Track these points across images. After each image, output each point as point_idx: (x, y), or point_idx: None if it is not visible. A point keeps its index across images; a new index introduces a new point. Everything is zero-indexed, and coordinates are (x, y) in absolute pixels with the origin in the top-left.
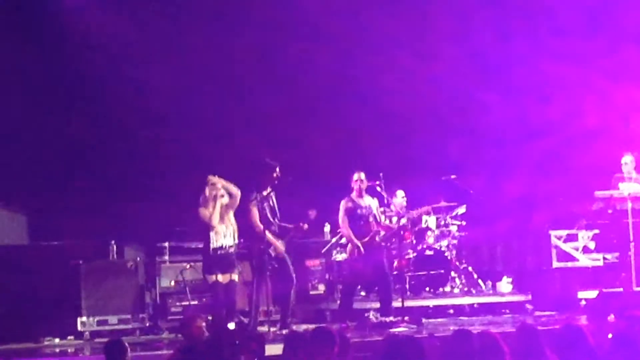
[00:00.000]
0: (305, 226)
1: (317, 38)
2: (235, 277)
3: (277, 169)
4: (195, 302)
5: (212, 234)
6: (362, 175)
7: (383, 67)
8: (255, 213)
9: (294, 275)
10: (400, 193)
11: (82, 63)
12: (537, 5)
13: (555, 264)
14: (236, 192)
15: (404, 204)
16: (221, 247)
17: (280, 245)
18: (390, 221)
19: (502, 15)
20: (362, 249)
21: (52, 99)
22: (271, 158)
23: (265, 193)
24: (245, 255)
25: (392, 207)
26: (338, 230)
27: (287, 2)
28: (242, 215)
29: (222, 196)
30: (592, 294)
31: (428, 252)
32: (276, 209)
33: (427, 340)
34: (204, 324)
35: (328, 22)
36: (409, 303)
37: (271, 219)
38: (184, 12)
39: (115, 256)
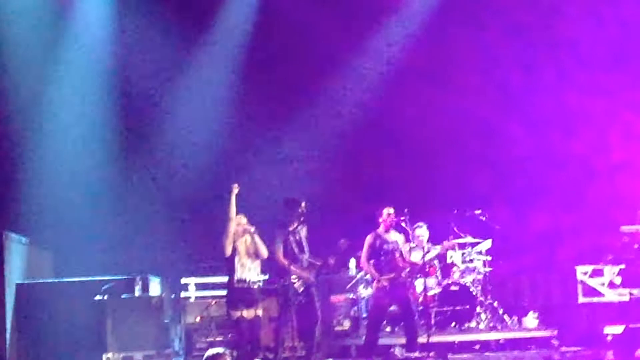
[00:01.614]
0: (332, 261)
1: (340, 71)
2: (259, 312)
3: (303, 205)
4: (221, 338)
5: (237, 265)
6: (392, 211)
7: (406, 99)
8: (279, 248)
9: (319, 311)
10: (421, 229)
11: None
12: (562, 37)
13: (582, 299)
14: (264, 253)
15: (427, 234)
16: (244, 281)
17: (307, 275)
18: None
19: (527, 47)
20: (385, 282)
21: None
22: (298, 196)
23: (291, 228)
24: (272, 291)
25: (415, 241)
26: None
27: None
28: (269, 251)
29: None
30: (618, 329)
31: (453, 288)
32: (304, 244)
33: None
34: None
35: (351, 55)
36: (434, 339)
37: (298, 255)
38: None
39: (140, 292)
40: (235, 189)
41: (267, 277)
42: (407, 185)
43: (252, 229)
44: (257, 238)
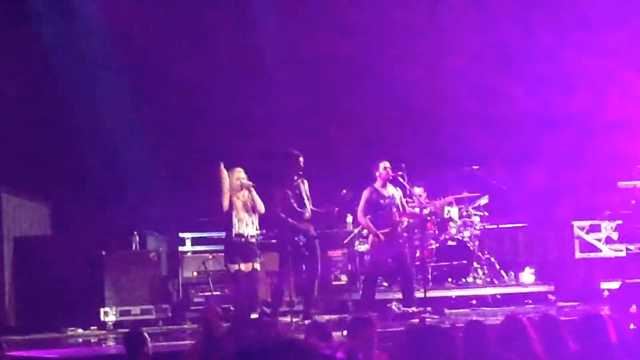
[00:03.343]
0: (336, 210)
1: (341, 30)
2: (257, 266)
3: (301, 159)
4: (218, 293)
5: (235, 220)
6: (388, 165)
7: (406, 59)
8: (277, 203)
9: (318, 266)
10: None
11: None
12: None
13: (578, 255)
14: (261, 209)
15: (424, 195)
16: (242, 235)
17: (307, 228)
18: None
19: (526, 7)
20: (381, 237)
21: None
22: (297, 149)
23: (289, 183)
24: (271, 246)
25: (413, 197)
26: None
27: None
28: (267, 206)
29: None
30: (614, 284)
31: (450, 243)
32: (305, 197)
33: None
34: (218, 311)
35: (351, 14)
36: (431, 294)
37: (297, 208)
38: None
39: (138, 247)
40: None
41: (264, 231)
42: (406, 142)
43: (251, 184)
44: (254, 193)
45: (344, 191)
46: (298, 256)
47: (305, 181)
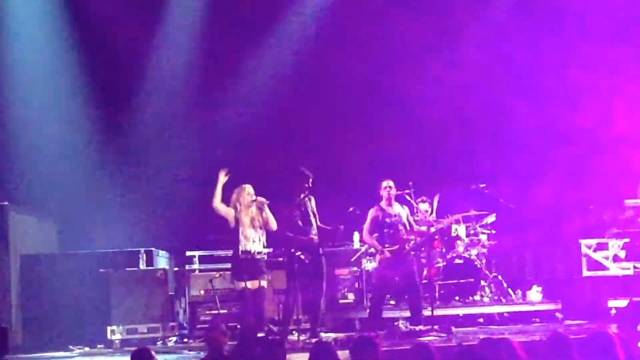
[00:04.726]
0: (342, 227)
1: (348, 46)
2: (264, 283)
3: (311, 180)
4: (225, 311)
5: (241, 237)
6: (391, 183)
7: (413, 75)
8: (283, 220)
9: (324, 284)
10: (423, 206)
11: (114, 69)
12: (566, 12)
13: (586, 273)
14: (273, 227)
15: (430, 210)
16: (249, 252)
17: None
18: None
19: (532, 23)
20: (387, 253)
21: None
22: (306, 168)
23: (296, 200)
24: (279, 264)
25: (418, 214)
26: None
27: (319, 11)
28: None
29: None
30: (622, 302)
31: (458, 261)
32: (311, 214)
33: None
34: (224, 330)
35: (358, 30)
36: (438, 312)
37: (303, 227)
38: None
39: (145, 265)
40: (223, 176)
41: (271, 250)
42: (413, 160)
43: (266, 201)
44: (267, 210)
45: (351, 209)
46: (304, 274)
47: (312, 198)
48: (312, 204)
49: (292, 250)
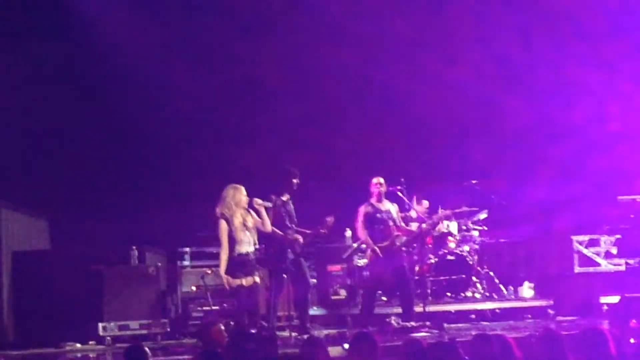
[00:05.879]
0: (323, 231)
1: (342, 43)
2: (257, 279)
3: (298, 177)
4: (217, 307)
5: (236, 245)
6: (381, 180)
7: (406, 72)
8: (269, 218)
9: (309, 279)
10: (425, 203)
11: (106, 69)
12: (560, 9)
13: (578, 269)
14: (267, 229)
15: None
16: (242, 254)
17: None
18: (410, 227)
19: (526, 20)
20: (379, 252)
21: (73, 105)
22: (293, 165)
23: (284, 199)
24: (264, 261)
25: (412, 212)
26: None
27: (312, 7)
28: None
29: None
30: (614, 299)
31: (449, 257)
32: (293, 215)
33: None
34: (222, 328)
35: (352, 26)
36: (430, 308)
37: (289, 225)
38: (210, 16)
39: (136, 261)
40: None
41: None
42: (405, 156)
43: (269, 205)
44: (263, 213)
45: (329, 219)
46: (289, 271)
47: (291, 201)
48: (291, 206)
49: (278, 247)
